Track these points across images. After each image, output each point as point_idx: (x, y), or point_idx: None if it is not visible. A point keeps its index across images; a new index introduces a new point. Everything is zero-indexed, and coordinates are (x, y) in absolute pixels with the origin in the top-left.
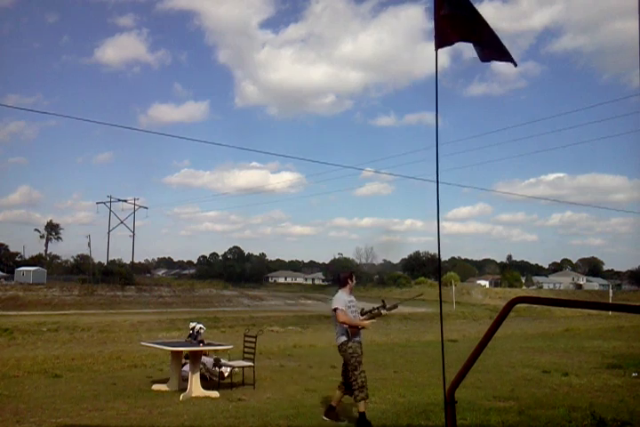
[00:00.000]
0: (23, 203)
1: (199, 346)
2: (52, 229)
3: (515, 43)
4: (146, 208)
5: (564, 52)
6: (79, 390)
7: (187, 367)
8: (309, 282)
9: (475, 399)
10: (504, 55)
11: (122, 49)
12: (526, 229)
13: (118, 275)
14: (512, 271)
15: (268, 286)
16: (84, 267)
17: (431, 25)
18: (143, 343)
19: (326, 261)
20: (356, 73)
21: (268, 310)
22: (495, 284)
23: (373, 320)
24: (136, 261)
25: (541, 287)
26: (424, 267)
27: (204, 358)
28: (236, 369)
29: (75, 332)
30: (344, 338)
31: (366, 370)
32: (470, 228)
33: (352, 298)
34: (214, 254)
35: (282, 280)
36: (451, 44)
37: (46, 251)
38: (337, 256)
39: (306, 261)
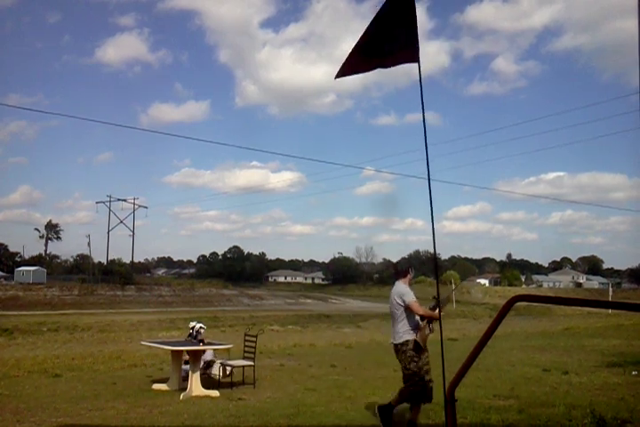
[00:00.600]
0: (23, 203)
1: (199, 345)
2: (52, 229)
3: (515, 42)
4: (146, 208)
5: (565, 51)
6: (79, 389)
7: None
8: (309, 281)
9: (475, 398)
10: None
11: (123, 49)
12: (526, 228)
13: (118, 274)
14: (512, 270)
15: (267, 286)
16: (83, 266)
17: (432, 25)
18: (143, 343)
19: (326, 261)
20: None
21: (268, 309)
22: (495, 282)
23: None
24: (136, 260)
25: (541, 286)
26: (424, 266)
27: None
28: (233, 369)
29: (75, 331)
30: (409, 337)
31: (367, 369)
32: (470, 226)
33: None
34: (214, 254)
35: (282, 279)
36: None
37: (46, 251)
38: (337, 255)
39: (306, 260)
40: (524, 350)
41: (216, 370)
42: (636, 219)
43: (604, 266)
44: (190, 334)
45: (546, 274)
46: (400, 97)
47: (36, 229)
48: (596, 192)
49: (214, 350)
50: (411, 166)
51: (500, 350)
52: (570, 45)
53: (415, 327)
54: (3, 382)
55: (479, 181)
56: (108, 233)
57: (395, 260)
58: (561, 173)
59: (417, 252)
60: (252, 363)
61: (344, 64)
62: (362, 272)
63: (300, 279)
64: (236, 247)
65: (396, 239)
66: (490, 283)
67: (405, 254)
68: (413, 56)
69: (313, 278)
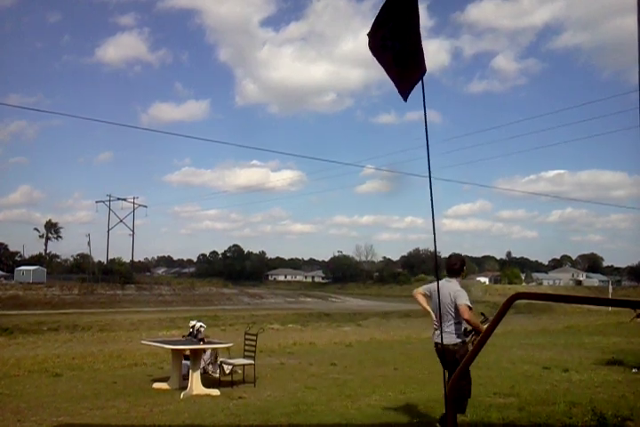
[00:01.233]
0: (23, 202)
1: (199, 344)
2: (52, 229)
3: (515, 40)
4: (145, 207)
5: (565, 49)
6: (80, 388)
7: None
8: (309, 280)
9: (475, 396)
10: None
11: (123, 48)
12: (526, 226)
13: (118, 274)
14: (512, 268)
15: (267, 284)
16: (83, 266)
17: (432, 24)
18: (143, 342)
19: (326, 259)
20: (356, 71)
21: (269, 307)
22: (495, 280)
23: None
24: (136, 259)
25: (541, 284)
26: (424, 264)
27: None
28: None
29: (75, 331)
30: (459, 339)
31: (367, 367)
32: (470, 225)
33: None
34: (214, 253)
35: (282, 278)
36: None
37: (46, 250)
38: (337, 254)
39: (306, 258)
40: (524, 347)
41: (216, 369)
42: (637, 216)
43: (604, 264)
44: (190, 333)
45: (546, 272)
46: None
47: (36, 229)
48: (597, 190)
49: (214, 349)
50: (411, 165)
51: (501, 348)
52: (570, 43)
53: (463, 330)
54: (3, 381)
55: (479, 179)
56: (108, 232)
57: (395, 258)
58: (561, 171)
59: (417, 250)
60: (252, 362)
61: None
62: (362, 271)
63: (300, 278)
64: (235, 246)
65: (396, 238)
66: (490, 281)
67: (405, 252)
68: (422, 68)
69: (313, 277)
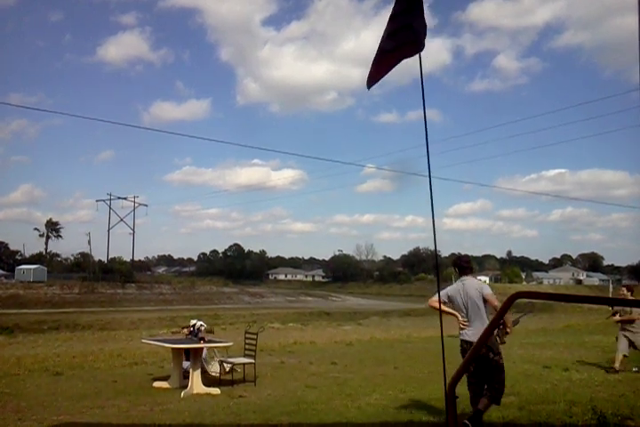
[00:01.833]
0: (24, 201)
1: (200, 343)
2: (52, 228)
3: (516, 39)
4: (146, 206)
5: (566, 49)
6: (80, 387)
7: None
8: (309, 279)
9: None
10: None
11: (124, 47)
12: (527, 225)
13: (118, 273)
14: (512, 267)
15: (268, 283)
16: (84, 265)
17: (434, 23)
18: (144, 341)
19: (326, 258)
20: (357, 70)
21: (269, 307)
22: (495, 279)
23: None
24: (136, 258)
25: (541, 283)
26: (424, 263)
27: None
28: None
29: (75, 330)
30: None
31: (367, 366)
32: (471, 224)
33: None
34: (214, 252)
35: (282, 277)
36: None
37: (46, 249)
38: (337, 253)
39: (306, 257)
40: (524, 346)
41: (215, 368)
42: (638, 215)
43: (605, 263)
44: (191, 332)
45: (546, 271)
46: (401, 94)
47: (36, 229)
48: (598, 189)
49: (215, 348)
50: (412, 164)
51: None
52: (571, 43)
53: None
54: (4, 380)
55: (480, 179)
56: (109, 231)
57: (395, 257)
58: (562, 170)
59: (417, 249)
60: (252, 360)
61: (372, 71)
62: (362, 270)
63: (300, 277)
64: (236, 245)
65: (397, 237)
66: (490, 280)
67: (406, 251)
68: (419, 46)
69: (313, 276)
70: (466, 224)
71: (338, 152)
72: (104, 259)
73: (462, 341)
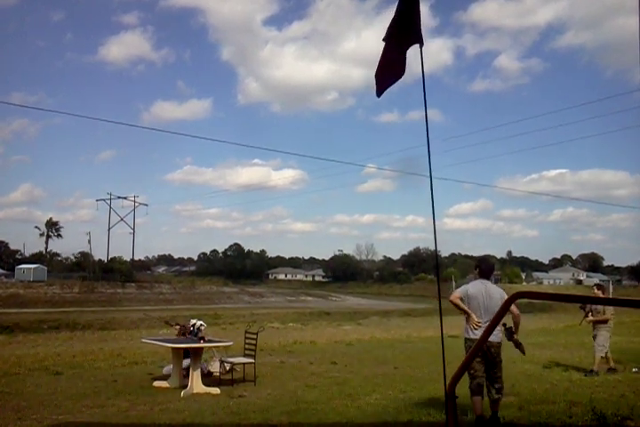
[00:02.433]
0: (25, 201)
1: (200, 343)
2: (52, 227)
3: (518, 39)
4: (146, 205)
5: (567, 49)
6: (80, 387)
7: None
8: (309, 279)
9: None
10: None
11: (126, 47)
12: (527, 225)
13: (118, 272)
14: (512, 267)
15: (268, 283)
16: (84, 264)
17: (435, 23)
18: (144, 340)
19: (326, 258)
20: (358, 70)
21: (269, 306)
22: (495, 280)
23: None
24: (136, 258)
25: (541, 283)
26: (424, 263)
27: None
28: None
29: (75, 329)
30: (503, 337)
31: (367, 366)
32: (471, 224)
33: None
34: (214, 251)
35: (282, 277)
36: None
37: (46, 248)
38: (337, 253)
39: (306, 257)
40: (524, 346)
41: (216, 367)
42: (638, 215)
43: (605, 263)
44: (191, 332)
45: (546, 271)
46: (403, 94)
47: (37, 227)
48: (598, 189)
49: (215, 347)
50: (413, 163)
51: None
52: (573, 43)
53: (509, 329)
54: (4, 379)
55: (481, 179)
56: (109, 231)
57: (395, 257)
58: (563, 170)
59: (417, 249)
60: (252, 360)
61: (378, 80)
62: (362, 270)
63: (300, 277)
64: (236, 245)
65: (397, 236)
66: (490, 280)
67: (406, 251)
68: (416, 38)
69: (313, 276)
70: (466, 224)
71: (338, 152)
72: (104, 258)
73: (470, 340)
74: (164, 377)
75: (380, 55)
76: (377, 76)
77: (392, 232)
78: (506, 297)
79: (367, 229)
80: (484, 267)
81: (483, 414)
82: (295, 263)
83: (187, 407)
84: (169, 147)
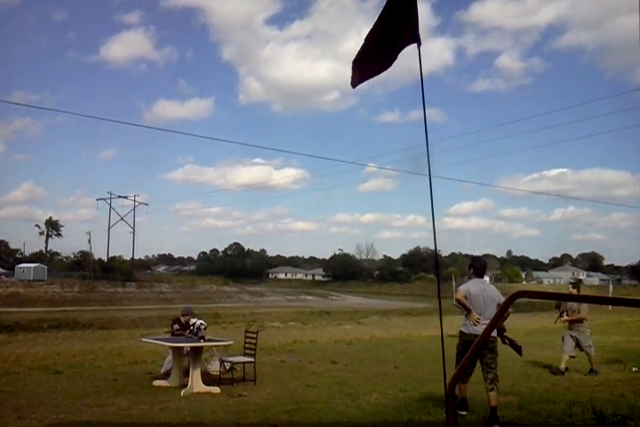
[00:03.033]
0: (25, 200)
1: (200, 342)
2: (52, 226)
3: (519, 39)
4: (146, 204)
5: (568, 49)
6: (80, 386)
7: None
8: (309, 278)
9: (475, 394)
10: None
11: (127, 46)
12: (528, 225)
13: (119, 271)
14: (512, 266)
15: (268, 282)
16: (84, 263)
17: (436, 22)
18: (144, 339)
19: (327, 257)
20: None
21: (269, 305)
22: (495, 279)
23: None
24: (136, 257)
25: (541, 282)
26: (424, 262)
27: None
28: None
29: (75, 328)
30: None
31: (367, 366)
32: (472, 223)
33: None
34: (214, 251)
35: (282, 276)
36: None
37: (46, 247)
38: (337, 252)
39: (306, 257)
40: (524, 346)
41: (216, 367)
42: (639, 215)
43: (605, 262)
44: (191, 331)
45: (546, 270)
46: (404, 94)
47: (37, 226)
48: (599, 189)
49: (215, 346)
50: (414, 163)
51: (501, 347)
52: (573, 43)
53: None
54: (4, 378)
55: (482, 178)
56: (109, 230)
57: (395, 257)
58: (564, 170)
59: (417, 248)
60: (252, 359)
61: (356, 70)
62: (362, 269)
63: (300, 276)
64: (236, 244)
65: (397, 236)
66: (490, 279)
67: (406, 251)
68: (413, 38)
69: (313, 275)
70: (467, 223)
71: (340, 151)
72: (104, 257)
73: (466, 334)
74: (164, 376)
75: (361, 44)
76: (354, 64)
77: (393, 232)
78: (501, 299)
79: (368, 228)
80: (478, 265)
81: (466, 396)
82: (295, 262)
83: (187, 407)
84: (170, 146)
